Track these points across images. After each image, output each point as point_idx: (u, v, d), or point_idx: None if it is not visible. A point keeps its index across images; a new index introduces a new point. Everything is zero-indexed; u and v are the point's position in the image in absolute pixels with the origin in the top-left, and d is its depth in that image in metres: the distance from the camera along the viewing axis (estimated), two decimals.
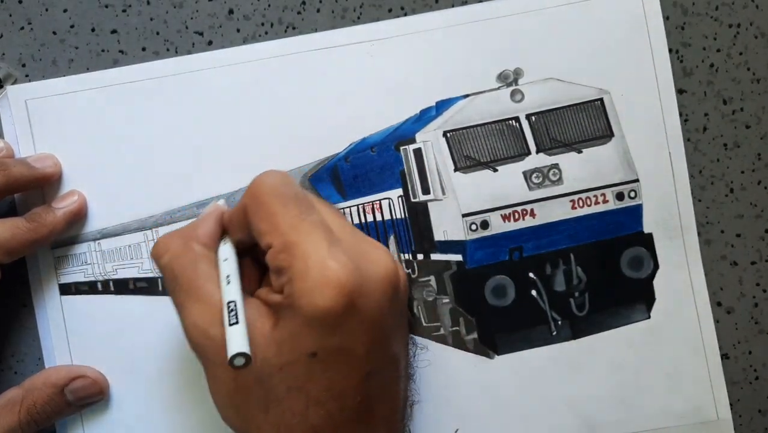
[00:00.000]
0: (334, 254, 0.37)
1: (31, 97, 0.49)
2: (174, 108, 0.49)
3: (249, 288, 0.42)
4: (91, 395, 0.48)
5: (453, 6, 0.50)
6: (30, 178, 0.47)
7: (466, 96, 0.49)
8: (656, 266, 0.49)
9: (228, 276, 0.40)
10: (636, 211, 0.49)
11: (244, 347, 0.37)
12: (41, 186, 0.49)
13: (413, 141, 0.49)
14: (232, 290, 0.39)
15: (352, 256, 0.38)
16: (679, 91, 0.50)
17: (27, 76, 0.50)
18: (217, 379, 0.40)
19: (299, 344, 0.38)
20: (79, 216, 0.49)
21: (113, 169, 0.49)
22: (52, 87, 0.49)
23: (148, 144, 0.49)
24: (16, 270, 0.49)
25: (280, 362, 0.38)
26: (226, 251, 0.42)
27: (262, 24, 0.50)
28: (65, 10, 0.50)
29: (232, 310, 0.38)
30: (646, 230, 0.49)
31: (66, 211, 0.48)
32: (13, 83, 0.49)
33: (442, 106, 0.49)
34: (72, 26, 0.50)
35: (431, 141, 0.48)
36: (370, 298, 0.38)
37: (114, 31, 0.50)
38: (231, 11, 0.50)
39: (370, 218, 0.50)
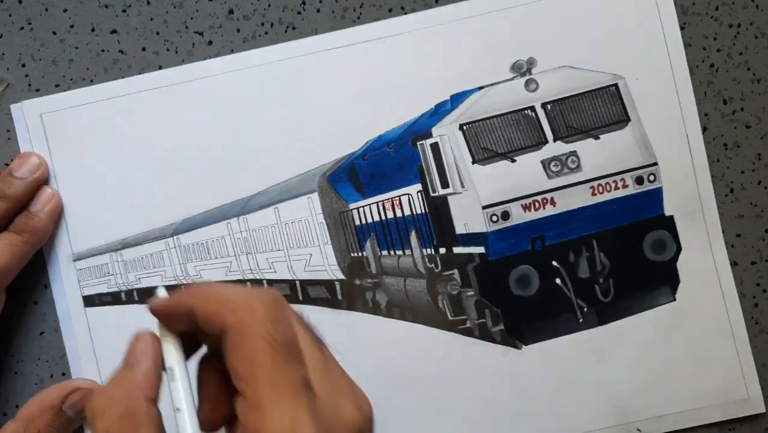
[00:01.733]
0: (301, 425, 0.34)
1: (46, 111, 0.49)
2: (189, 115, 0.49)
3: (213, 413, 0.37)
4: None
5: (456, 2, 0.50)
6: (25, 192, 0.47)
7: (481, 88, 0.49)
8: (679, 248, 0.49)
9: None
10: (656, 195, 0.49)
11: None
12: (37, 190, 0.48)
13: (430, 136, 0.49)
14: None
15: (323, 416, 0.35)
16: None
17: (27, 76, 0.50)
18: None
19: None
20: (58, 211, 0.48)
21: (131, 178, 0.49)
22: (66, 100, 0.49)
23: (165, 152, 0.49)
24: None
25: None
26: (180, 397, 0.36)
27: (262, 24, 0.50)
28: (65, 10, 0.50)
29: None
30: (667, 212, 0.49)
31: (49, 210, 0.48)
32: (5, 88, 0.49)
33: (457, 99, 0.49)
34: (72, 26, 0.50)
35: (448, 135, 0.48)
36: None
37: (114, 31, 0.50)
38: (231, 11, 0.50)
39: (390, 215, 0.50)
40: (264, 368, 0.34)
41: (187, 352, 0.38)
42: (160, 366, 0.36)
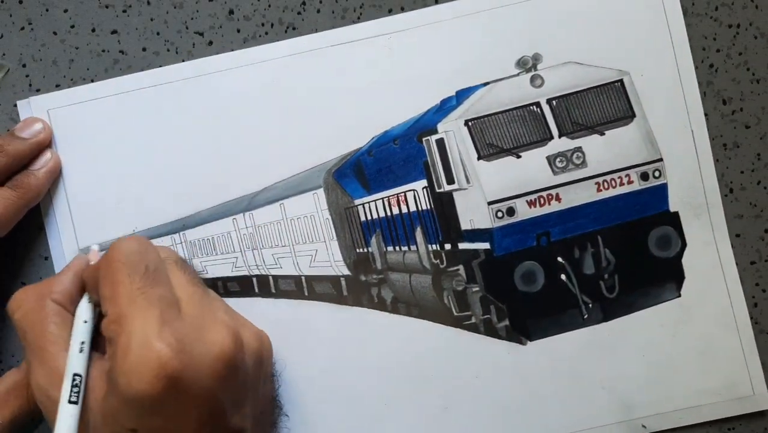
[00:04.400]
0: (162, 335, 0.37)
1: (53, 106, 0.49)
2: (197, 110, 0.49)
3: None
4: None
5: None
6: (27, 151, 0.48)
7: (486, 84, 0.49)
8: (684, 244, 0.49)
9: (82, 343, 0.40)
10: (661, 191, 0.49)
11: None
12: (38, 154, 0.49)
13: (435, 131, 0.49)
14: (75, 361, 0.39)
15: (185, 335, 0.38)
16: None
17: (27, 76, 0.50)
18: None
19: (120, 419, 0.37)
20: (56, 172, 0.49)
21: (138, 174, 0.49)
22: (73, 96, 0.49)
23: (171, 148, 0.49)
24: (12, 268, 0.49)
25: (106, 432, 0.38)
26: (83, 311, 0.41)
27: (263, 24, 0.50)
28: (65, 11, 0.50)
29: (75, 386, 0.39)
30: (672, 208, 0.49)
31: (46, 171, 0.48)
32: (5, 74, 0.49)
33: (463, 95, 0.49)
34: (72, 26, 0.50)
35: (453, 130, 0.49)
36: (197, 379, 0.37)
37: (114, 32, 0.50)
38: (231, 12, 0.50)
39: (395, 211, 0.50)
40: (123, 285, 0.38)
41: None
42: (77, 283, 0.42)
